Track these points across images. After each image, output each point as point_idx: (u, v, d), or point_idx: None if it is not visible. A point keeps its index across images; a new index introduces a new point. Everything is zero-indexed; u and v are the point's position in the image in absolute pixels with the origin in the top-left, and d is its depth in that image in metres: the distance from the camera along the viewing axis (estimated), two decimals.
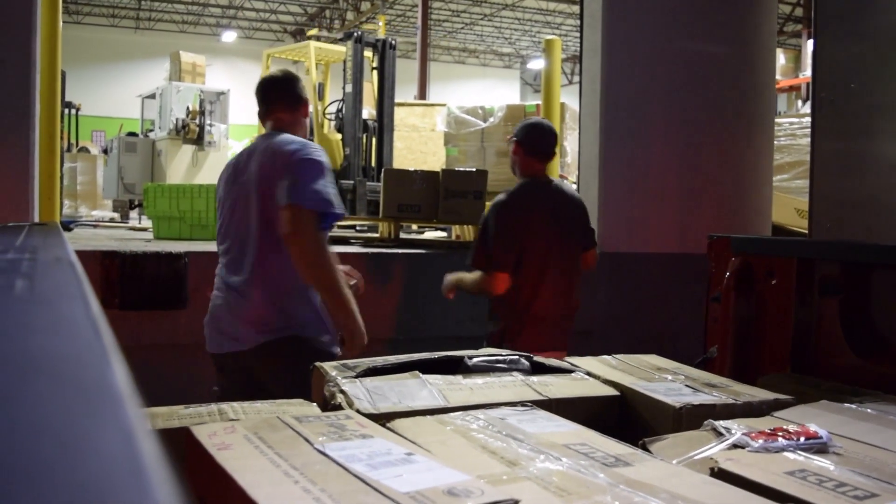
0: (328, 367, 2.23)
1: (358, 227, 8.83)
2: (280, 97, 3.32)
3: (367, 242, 5.62)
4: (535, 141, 3.95)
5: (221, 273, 3.30)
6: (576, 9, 19.87)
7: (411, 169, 5.62)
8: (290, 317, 3.11)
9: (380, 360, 2.31)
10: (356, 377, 2.12)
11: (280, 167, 3.03)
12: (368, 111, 10.04)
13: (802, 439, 1.64)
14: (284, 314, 3.11)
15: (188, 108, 13.41)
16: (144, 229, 8.53)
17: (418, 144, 12.02)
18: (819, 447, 1.62)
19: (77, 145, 15.45)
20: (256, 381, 3.14)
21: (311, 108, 3.67)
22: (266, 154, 3.15)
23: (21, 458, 0.35)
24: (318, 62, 12.45)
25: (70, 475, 0.34)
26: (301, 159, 3.02)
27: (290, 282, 3.08)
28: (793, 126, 7.59)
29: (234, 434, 1.54)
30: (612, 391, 2.18)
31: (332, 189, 3.05)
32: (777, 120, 7.33)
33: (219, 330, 3.27)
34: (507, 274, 3.76)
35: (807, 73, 17.47)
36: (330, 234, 3.21)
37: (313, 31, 19.62)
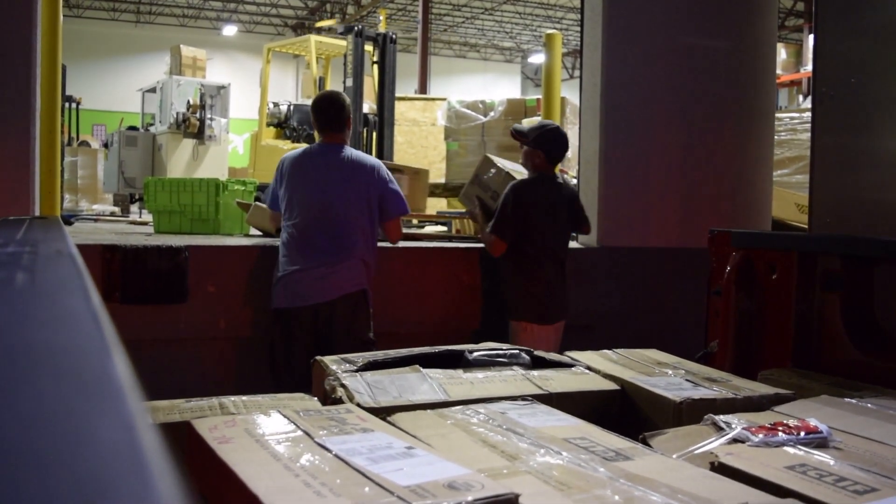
0: (329, 360, 2.23)
1: None
2: (349, 114, 4.39)
3: None
4: (556, 152, 4.68)
5: (308, 243, 4.13)
6: (577, 3, 19.87)
7: (502, 166, 5.11)
8: (366, 276, 4.21)
9: (380, 355, 2.32)
10: (357, 371, 2.12)
11: (379, 183, 4.28)
12: (369, 105, 10.04)
13: (802, 434, 1.64)
14: (363, 275, 4.19)
15: (189, 102, 13.39)
16: (145, 223, 8.52)
17: (419, 139, 12.01)
18: (819, 442, 1.63)
19: (77, 139, 15.43)
20: (326, 328, 4.08)
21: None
22: (363, 167, 4.28)
23: (23, 451, 0.35)
24: (319, 56, 12.44)
25: (71, 468, 0.34)
26: (392, 182, 4.34)
27: (368, 253, 4.22)
28: (793, 121, 7.58)
29: (235, 428, 1.54)
30: (612, 385, 2.18)
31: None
32: (778, 115, 7.32)
33: (301, 289, 4.10)
34: (506, 244, 4.50)
35: (808, 67, 17.43)
36: None
37: (325, 23, 19.62)
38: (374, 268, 4.29)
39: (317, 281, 4.08)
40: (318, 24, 20.38)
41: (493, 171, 5.01)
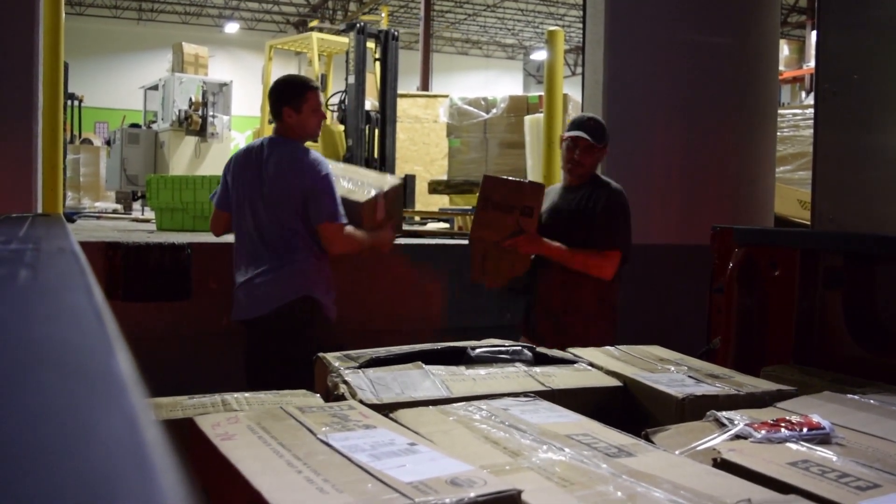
0: (331, 357, 2.23)
1: None
2: (284, 101, 3.78)
3: None
4: None
5: (246, 251, 3.80)
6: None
7: (512, 178, 4.24)
8: (313, 282, 3.74)
9: (382, 351, 2.32)
10: (359, 367, 2.12)
11: (309, 182, 3.68)
12: (371, 102, 10.04)
13: (805, 430, 1.64)
14: (306, 281, 3.73)
15: (191, 99, 13.41)
16: (147, 221, 8.53)
17: (421, 136, 12.02)
18: (822, 438, 1.62)
19: (80, 137, 15.45)
20: (272, 340, 3.70)
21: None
22: (283, 163, 3.74)
23: (26, 448, 0.35)
24: (321, 53, 12.43)
25: (74, 465, 0.34)
26: (319, 178, 3.67)
27: (313, 258, 3.72)
28: (796, 117, 7.57)
29: (238, 424, 1.54)
30: (614, 382, 2.18)
31: (337, 196, 3.71)
32: (780, 111, 7.31)
33: (243, 300, 3.80)
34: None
35: (810, 63, 17.42)
36: None
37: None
38: (326, 271, 3.80)
39: (254, 291, 3.73)
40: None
41: (509, 184, 3.95)
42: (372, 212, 3.92)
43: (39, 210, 4.57)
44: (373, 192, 3.95)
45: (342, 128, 9.69)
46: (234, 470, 1.30)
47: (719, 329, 3.18)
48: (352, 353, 2.29)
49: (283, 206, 3.71)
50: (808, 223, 4.71)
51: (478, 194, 3.94)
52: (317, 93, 3.86)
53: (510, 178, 4.16)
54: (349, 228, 3.72)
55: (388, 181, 4.18)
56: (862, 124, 4.05)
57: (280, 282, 3.70)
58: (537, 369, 2.21)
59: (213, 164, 12.96)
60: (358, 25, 9.41)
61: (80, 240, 3.75)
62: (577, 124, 3.98)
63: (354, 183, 4.01)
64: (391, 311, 4.83)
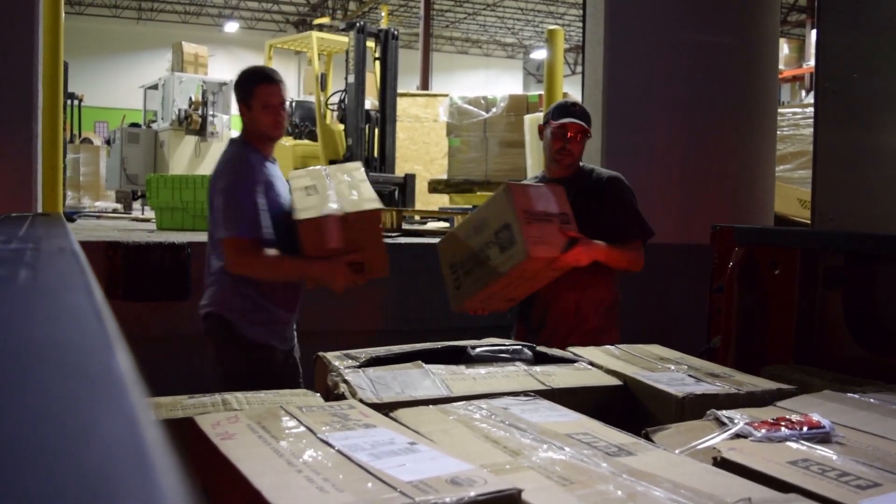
0: (331, 356, 2.23)
1: None
2: (237, 98, 3.47)
3: None
4: None
5: None
6: None
7: (531, 183, 3.73)
8: (229, 299, 3.34)
9: (383, 350, 2.32)
10: (359, 367, 2.12)
11: (211, 192, 3.37)
12: (371, 102, 10.04)
13: (805, 429, 1.64)
14: (219, 297, 3.36)
15: (191, 98, 13.40)
16: (147, 220, 8.54)
17: (421, 135, 12.02)
18: (822, 437, 1.62)
19: (80, 136, 15.45)
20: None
21: (287, 95, 3.57)
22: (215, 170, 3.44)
23: (26, 447, 0.35)
24: (321, 52, 12.42)
25: (75, 464, 0.34)
26: (221, 183, 3.30)
27: (216, 275, 3.34)
28: (796, 116, 7.57)
29: (238, 424, 1.54)
30: (615, 381, 2.18)
31: (245, 207, 3.19)
32: (780, 110, 7.31)
33: None
34: None
35: (810, 62, 17.40)
36: None
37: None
38: (246, 289, 3.30)
39: None
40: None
41: (536, 191, 3.31)
42: (316, 236, 3.19)
43: (39, 209, 4.56)
44: (323, 212, 3.19)
45: (342, 127, 9.69)
46: (234, 469, 1.29)
47: (719, 328, 3.18)
48: (352, 352, 2.29)
49: (210, 216, 3.40)
50: (809, 222, 4.71)
51: (508, 208, 3.11)
52: (270, 87, 3.36)
53: (530, 183, 3.67)
54: (271, 252, 3.16)
55: (364, 205, 3.29)
56: (862, 123, 4.05)
57: (206, 295, 3.42)
58: (537, 368, 2.21)
59: (213, 163, 12.92)
60: (358, 24, 9.41)
61: (80, 239, 3.74)
62: (563, 111, 3.60)
63: (330, 198, 3.30)
64: (391, 311, 4.83)
